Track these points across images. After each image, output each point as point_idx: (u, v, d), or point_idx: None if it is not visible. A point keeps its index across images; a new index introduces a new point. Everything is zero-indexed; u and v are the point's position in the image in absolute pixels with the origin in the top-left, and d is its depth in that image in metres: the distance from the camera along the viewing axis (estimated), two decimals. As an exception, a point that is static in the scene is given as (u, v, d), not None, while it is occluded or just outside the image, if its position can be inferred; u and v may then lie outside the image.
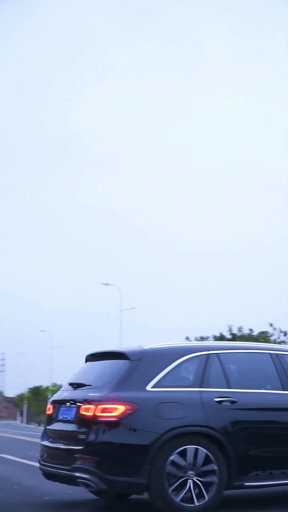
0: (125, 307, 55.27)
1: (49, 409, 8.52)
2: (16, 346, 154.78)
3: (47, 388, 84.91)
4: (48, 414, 8.55)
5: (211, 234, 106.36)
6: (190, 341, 43.60)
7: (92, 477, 7.17)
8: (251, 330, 40.56)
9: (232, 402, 7.68)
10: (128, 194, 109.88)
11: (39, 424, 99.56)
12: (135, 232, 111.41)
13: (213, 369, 7.94)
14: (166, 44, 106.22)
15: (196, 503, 7.14)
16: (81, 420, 7.49)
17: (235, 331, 41.11)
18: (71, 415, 7.83)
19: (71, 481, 7.60)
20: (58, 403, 8.33)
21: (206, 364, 7.92)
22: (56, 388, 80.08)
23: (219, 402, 7.60)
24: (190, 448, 7.26)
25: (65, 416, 8.00)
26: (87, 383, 8.06)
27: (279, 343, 37.22)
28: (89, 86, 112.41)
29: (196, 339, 43.44)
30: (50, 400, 8.70)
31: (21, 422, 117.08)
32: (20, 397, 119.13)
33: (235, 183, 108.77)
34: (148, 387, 7.50)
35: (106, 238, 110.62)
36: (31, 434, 35.45)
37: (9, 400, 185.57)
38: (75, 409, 7.74)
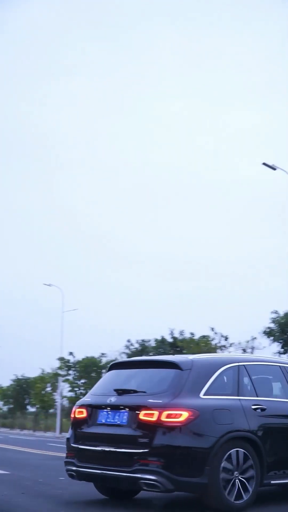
0: (67, 308, 54.93)
1: (81, 413, 8.93)
2: None
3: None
4: (80, 418, 8.92)
5: (157, 238, 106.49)
6: (132, 344, 43.67)
7: (160, 478, 7.68)
8: (192, 334, 40.71)
9: (263, 410, 8.78)
10: (77, 195, 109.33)
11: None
12: (81, 234, 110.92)
13: (244, 379, 8.92)
14: (120, 47, 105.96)
15: (244, 499, 8.16)
16: (140, 425, 8.00)
17: (176, 334, 41.19)
18: (121, 419, 8.31)
19: (127, 482, 8.14)
20: (95, 408, 8.75)
21: (238, 375, 8.86)
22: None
23: (255, 409, 8.69)
24: (237, 450, 8.23)
25: (112, 420, 8.42)
26: (139, 390, 8.53)
27: (220, 347, 37.43)
28: (47, 87, 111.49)
29: (137, 342, 43.47)
30: (82, 404, 9.08)
31: None
32: None
33: (186, 190, 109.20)
34: (201, 395, 8.26)
35: (51, 239, 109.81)
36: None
37: None
38: (127, 413, 8.27)
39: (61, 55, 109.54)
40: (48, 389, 59.57)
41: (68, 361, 52.05)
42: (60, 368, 52.61)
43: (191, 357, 8.95)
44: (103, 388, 9.12)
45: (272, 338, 33.15)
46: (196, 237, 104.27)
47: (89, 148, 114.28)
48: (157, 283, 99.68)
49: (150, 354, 41.96)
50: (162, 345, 40.99)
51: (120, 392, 8.61)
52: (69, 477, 9.01)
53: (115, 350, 46.78)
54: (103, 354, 49.49)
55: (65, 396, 53.96)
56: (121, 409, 8.36)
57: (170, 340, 41.29)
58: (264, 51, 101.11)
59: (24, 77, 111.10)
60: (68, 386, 52.19)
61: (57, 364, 53.24)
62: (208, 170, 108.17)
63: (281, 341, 32.95)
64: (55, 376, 55.92)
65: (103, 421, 8.53)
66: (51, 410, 62.33)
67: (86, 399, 9.20)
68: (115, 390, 8.69)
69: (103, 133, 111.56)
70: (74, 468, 8.73)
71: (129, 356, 43.87)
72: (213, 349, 37.63)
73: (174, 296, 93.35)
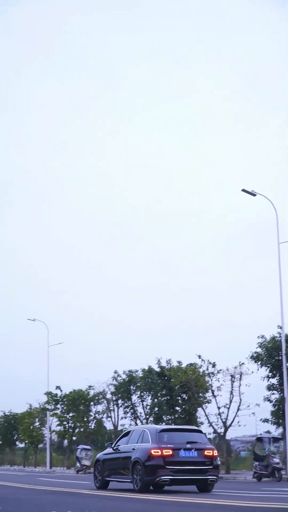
0: (52, 343, 54.64)
1: (169, 451, 17.31)
2: None
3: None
4: (168, 455, 17.25)
5: (142, 269, 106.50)
6: (119, 375, 43.45)
7: (215, 478, 17.89)
8: (179, 362, 40.54)
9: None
10: (61, 228, 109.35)
11: None
12: (64, 266, 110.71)
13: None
14: (83, 76, 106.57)
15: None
16: (205, 456, 17.73)
17: (163, 363, 41.02)
18: (194, 454, 17.68)
19: (200, 482, 17.88)
20: (177, 449, 17.46)
21: None
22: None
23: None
24: None
25: (189, 454, 17.63)
26: (194, 441, 18.06)
27: (208, 374, 37.27)
28: (14, 122, 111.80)
29: (124, 373, 43.25)
30: (170, 447, 17.47)
31: None
32: None
33: (167, 221, 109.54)
34: None
35: (35, 272, 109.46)
36: None
37: None
38: (196, 452, 17.72)
39: (36, 93, 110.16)
40: (37, 424, 59.05)
41: (55, 395, 51.66)
42: (47, 402, 52.23)
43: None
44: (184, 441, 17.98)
45: (259, 362, 33.06)
46: (180, 266, 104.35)
47: (72, 183, 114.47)
48: (142, 314, 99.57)
49: (138, 384, 41.75)
50: (150, 375, 40.80)
51: (191, 443, 17.88)
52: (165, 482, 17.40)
53: (102, 382, 46.55)
54: (90, 386, 49.20)
55: (54, 430, 53.51)
56: (194, 449, 17.82)
57: (157, 369, 41.10)
58: (233, 81, 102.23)
59: None
60: (56, 420, 51.76)
61: (45, 398, 52.89)
62: (189, 201, 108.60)
63: (269, 365, 32.87)
64: (43, 410, 55.49)
65: (184, 455, 17.64)
66: (40, 445, 61.71)
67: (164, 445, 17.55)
68: (187, 442, 17.85)
69: (81, 167, 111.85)
70: (170, 477, 17.20)
71: (116, 387, 43.58)
72: (201, 377, 37.50)
73: (160, 325, 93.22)
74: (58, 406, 51.52)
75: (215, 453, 17.91)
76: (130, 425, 43.23)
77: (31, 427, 58.73)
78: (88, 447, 44.17)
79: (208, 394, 37.54)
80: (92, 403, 48.95)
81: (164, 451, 17.02)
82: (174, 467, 16.97)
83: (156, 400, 40.70)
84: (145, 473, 17.16)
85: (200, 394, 37.86)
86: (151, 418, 41.30)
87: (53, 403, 51.64)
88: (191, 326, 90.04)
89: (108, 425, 48.42)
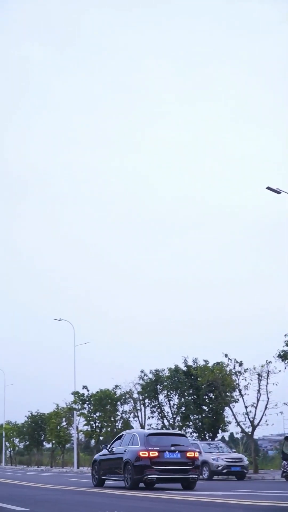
0: (79, 342, 54.69)
1: (155, 453, 19.47)
2: None
3: (0, 426, 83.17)
4: (154, 456, 19.39)
5: (166, 266, 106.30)
6: (146, 374, 43.34)
7: (196, 476, 19.95)
8: (206, 361, 40.36)
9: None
10: (84, 228, 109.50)
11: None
12: (89, 265, 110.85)
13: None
14: (108, 79, 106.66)
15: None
16: (187, 457, 19.78)
17: (190, 362, 40.85)
18: (177, 455, 19.74)
19: (182, 480, 20.01)
20: (162, 451, 19.59)
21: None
22: (10, 426, 78.55)
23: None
24: None
25: (173, 456, 19.70)
26: (178, 444, 20.14)
27: (235, 373, 37.07)
28: (29, 121, 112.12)
29: (151, 372, 43.16)
30: (156, 449, 19.58)
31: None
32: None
33: (191, 217, 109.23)
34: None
35: (59, 273, 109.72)
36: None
37: None
38: (180, 453, 19.78)
39: (54, 92, 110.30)
40: (64, 424, 59.12)
41: (82, 395, 51.69)
42: (74, 402, 52.26)
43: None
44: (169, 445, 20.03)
45: (287, 361, 32.82)
46: (206, 261, 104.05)
47: (93, 183, 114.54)
48: (168, 311, 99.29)
49: (164, 383, 41.63)
50: (176, 374, 40.66)
51: (174, 445, 19.96)
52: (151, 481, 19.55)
53: (129, 382, 46.50)
54: (117, 386, 49.20)
55: (81, 430, 53.53)
56: (177, 451, 19.86)
57: (184, 368, 40.94)
58: (264, 78, 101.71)
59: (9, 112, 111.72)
60: (83, 420, 51.79)
61: (72, 398, 52.93)
62: (213, 196, 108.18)
63: (296, 363, 32.65)
64: (70, 410, 55.55)
65: (168, 456, 19.75)
66: (68, 445, 61.79)
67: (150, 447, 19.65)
68: (171, 445, 19.93)
69: (109, 166, 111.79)
70: (156, 477, 19.38)
71: (143, 387, 43.50)
72: (228, 376, 37.31)
73: (187, 323, 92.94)
74: (85, 405, 51.54)
75: (196, 454, 20.25)
76: (157, 424, 43.18)
77: (58, 427, 58.84)
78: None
79: (235, 393, 37.36)
80: (119, 402, 48.91)
81: (150, 452, 19.34)
82: (159, 467, 19.31)
83: (183, 399, 40.55)
84: (134, 472, 19.48)
85: (227, 393, 37.65)
86: (178, 418, 41.17)
87: (80, 403, 51.67)
88: (219, 325, 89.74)
89: (135, 425, 48.33)
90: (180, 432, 24.83)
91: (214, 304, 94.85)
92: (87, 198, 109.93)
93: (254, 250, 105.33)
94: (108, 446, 22.59)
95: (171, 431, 26.03)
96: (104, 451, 22.63)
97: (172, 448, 19.72)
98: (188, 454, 19.76)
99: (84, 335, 70.36)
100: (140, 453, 19.36)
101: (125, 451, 20.49)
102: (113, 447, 21.97)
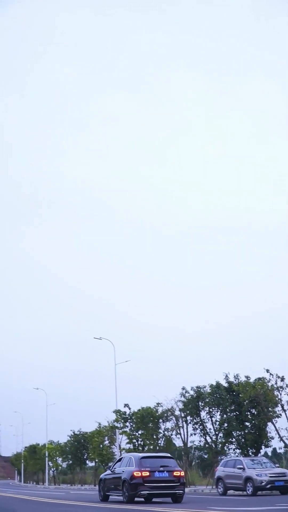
0: (119, 360, 54.82)
1: (146, 473, 23.09)
2: (11, 405, 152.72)
3: (43, 446, 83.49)
4: (146, 476, 23.03)
5: (203, 280, 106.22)
6: (187, 391, 43.25)
7: (182, 492, 23.77)
8: (247, 377, 40.16)
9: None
10: (121, 244, 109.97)
11: (36, 482, 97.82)
12: (126, 282, 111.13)
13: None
14: (137, 93, 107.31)
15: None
16: (174, 476, 23.48)
17: (231, 378, 40.68)
18: (166, 475, 23.42)
19: (170, 495, 23.84)
20: (153, 471, 23.21)
21: None
22: (53, 445, 78.85)
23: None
24: None
25: (162, 475, 23.38)
26: (166, 465, 23.83)
27: (277, 388, 36.88)
28: (64, 138, 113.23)
29: (192, 389, 43.05)
30: (147, 470, 23.34)
31: (19, 481, 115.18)
32: (17, 456, 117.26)
33: (227, 231, 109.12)
34: None
35: (98, 292, 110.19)
36: (30, 493, 34.86)
37: (6, 459, 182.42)
38: (168, 473, 23.45)
39: (81, 106, 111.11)
40: (106, 442, 59.09)
41: (124, 413, 51.73)
42: (116, 420, 52.27)
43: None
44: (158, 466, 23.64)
45: None
46: (242, 278, 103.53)
47: (119, 200, 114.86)
48: (209, 327, 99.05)
49: (206, 400, 41.48)
50: (218, 391, 40.49)
51: (163, 466, 23.42)
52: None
53: (170, 399, 46.43)
54: (158, 403, 49.11)
55: (123, 449, 53.46)
56: (166, 471, 23.30)
57: (225, 384, 40.77)
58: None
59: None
60: (125, 438, 51.76)
61: (113, 416, 52.96)
62: (246, 210, 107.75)
63: None
64: (112, 429, 55.57)
65: (158, 476, 23.10)
66: (110, 464, 61.77)
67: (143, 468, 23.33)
68: (160, 466, 23.45)
69: (140, 179, 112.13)
70: (146, 492, 22.95)
71: (185, 404, 43.37)
72: (270, 391, 37.12)
73: (228, 339, 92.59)
74: (127, 424, 51.52)
75: (182, 473, 24.18)
76: (199, 441, 43.01)
77: (101, 445, 58.81)
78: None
79: (278, 408, 37.13)
80: (160, 420, 48.80)
81: (143, 473, 23.23)
82: (150, 484, 23.25)
83: (225, 415, 40.35)
84: (130, 489, 23.50)
85: (270, 409, 37.44)
86: (220, 434, 40.98)
87: (122, 421, 51.67)
88: (260, 340, 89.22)
89: (178, 442, 48.22)
90: (168, 455, 26.46)
91: (255, 319, 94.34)
92: (108, 215, 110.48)
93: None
94: (111, 467, 26.70)
95: (160, 454, 27.81)
96: (108, 471, 26.71)
97: (161, 468, 23.52)
98: (175, 473, 23.61)
99: (124, 352, 70.61)
100: (134, 473, 23.28)
101: (123, 471, 24.38)
102: (115, 468, 25.91)
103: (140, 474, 23.14)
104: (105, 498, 26.63)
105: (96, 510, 19.68)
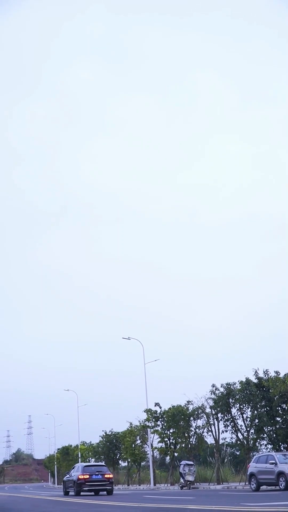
0: (148, 359, 54.99)
1: (87, 476, 35.11)
2: (42, 408, 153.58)
3: (76, 447, 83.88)
4: (87, 478, 34.94)
5: (231, 279, 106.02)
6: (217, 388, 43.28)
7: (111, 488, 35.38)
8: (277, 372, 40.13)
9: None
10: (152, 247, 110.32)
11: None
12: (154, 282, 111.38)
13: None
14: (160, 97, 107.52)
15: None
16: (105, 478, 35.10)
17: (261, 374, 40.66)
18: (99, 477, 35.02)
19: (104, 490, 35.63)
20: (91, 475, 35.00)
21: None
22: (85, 446, 79.29)
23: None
24: None
25: (97, 477, 35.06)
26: (100, 470, 35.82)
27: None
28: (89, 145, 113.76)
29: (222, 386, 43.08)
30: (88, 474, 35.30)
31: (53, 483, 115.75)
32: (50, 458, 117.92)
33: (251, 230, 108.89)
34: None
35: (126, 291, 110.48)
36: (60, 494, 35.69)
37: (39, 462, 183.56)
38: (101, 475, 35.05)
39: (103, 113, 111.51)
40: (138, 442, 59.34)
41: (155, 412, 51.90)
42: (147, 420, 52.49)
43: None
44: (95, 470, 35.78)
45: None
46: (270, 273, 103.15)
47: (143, 205, 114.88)
48: (237, 323, 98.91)
49: (236, 397, 41.48)
50: (248, 387, 40.47)
51: (98, 471, 35.51)
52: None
53: (200, 397, 46.48)
54: (189, 401, 49.23)
55: (155, 448, 53.67)
56: (100, 474, 35.21)
57: (255, 381, 40.76)
58: None
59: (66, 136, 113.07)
60: (157, 437, 51.96)
61: (144, 416, 53.18)
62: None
63: None
64: (143, 428, 55.81)
65: (94, 477, 34.95)
66: (143, 463, 61.98)
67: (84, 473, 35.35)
68: (96, 471, 35.59)
69: (163, 182, 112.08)
70: (86, 488, 34.83)
71: (215, 401, 43.40)
72: (299, 386, 37.02)
73: (257, 334, 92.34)
74: (158, 423, 51.71)
75: (111, 476, 35.62)
76: (231, 438, 43.02)
77: (133, 445, 59.09)
78: (191, 462, 44.24)
79: (309, 403, 37.06)
80: (191, 418, 48.90)
81: (84, 476, 34.77)
82: (90, 483, 34.69)
83: (255, 412, 40.34)
84: (77, 487, 34.89)
85: (300, 404, 37.38)
86: (251, 430, 40.97)
87: (153, 420, 51.87)
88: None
89: (209, 439, 48.28)
90: (102, 463, 40.73)
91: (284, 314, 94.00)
92: (131, 220, 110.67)
93: None
94: (70, 472, 38.56)
95: (97, 463, 40.70)
96: (67, 475, 38.79)
97: (97, 472, 35.14)
98: (106, 476, 34.98)
99: (153, 351, 70.81)
100: (79, 476, 34.77)
101: (73, 475, 36.26)
102: (71, 473, 37.84)
103: (83, 477, 34.56)
104: (66, 493, 38.16)
105: (63, 504, 19.94)
